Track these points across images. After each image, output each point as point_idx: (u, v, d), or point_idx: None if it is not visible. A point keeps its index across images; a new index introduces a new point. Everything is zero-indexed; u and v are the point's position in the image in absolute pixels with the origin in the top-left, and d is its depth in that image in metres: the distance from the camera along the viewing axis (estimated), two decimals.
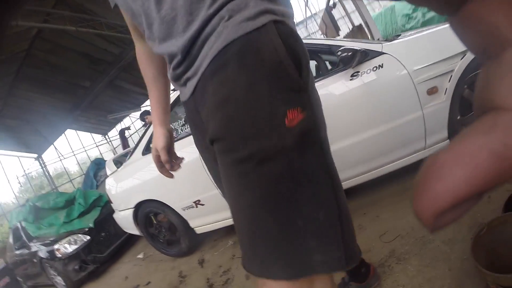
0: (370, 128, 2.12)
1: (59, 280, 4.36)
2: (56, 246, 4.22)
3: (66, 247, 4.21)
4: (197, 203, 2.74)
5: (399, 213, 2.02)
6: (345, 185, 2.24)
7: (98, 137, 15.00)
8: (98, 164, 7.77)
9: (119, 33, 6.54)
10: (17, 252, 5.24)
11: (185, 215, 2.88)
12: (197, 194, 2.71)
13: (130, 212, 3.27)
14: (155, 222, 3.21)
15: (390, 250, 1.75)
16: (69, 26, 5.89)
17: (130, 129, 10.04)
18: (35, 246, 4.61)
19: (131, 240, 4.91)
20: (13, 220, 5.72)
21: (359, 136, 2.15)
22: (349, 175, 2.22)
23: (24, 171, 12.58)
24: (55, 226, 4.62)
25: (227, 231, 3.11)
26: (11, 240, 5.63)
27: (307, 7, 15.61)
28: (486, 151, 0.13)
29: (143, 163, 3.02)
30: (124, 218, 3.42)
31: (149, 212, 3.16)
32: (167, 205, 2.92)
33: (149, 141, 3.02)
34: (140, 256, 4.11)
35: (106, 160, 3.70)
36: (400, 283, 1.50)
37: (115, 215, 3.64)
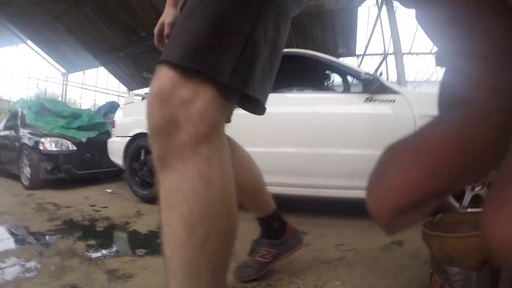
0: (367, 148, 2.21)
1: (27, 171, 4.29)
2: (42, 139, 4.19)
3: (51, 145, 4.18)
4: None
5: (362, 236, 2.01)
6: (330, 193, 2.32)
7: (123, 89, 14.97)
8: (112, 107, 7.71)
9: None
10: (4, 132, 5.20)
11: None
12: None
13: (124, 141, 3.28)
14: (142, 158, 3.18)
15: (341, 256, 1.73)
16: None
17: None
18: (23, 132, 4.58)
19: (107, 178, 4.85)
20: (16, 105, 5.64)
21: (356, 151, 2.25)
22: (333, 183, 2.27)
23: (47, 77, 12.50)
24: (51, 125, 4.58)
25: None
26: (2, 122, 5.59)
27: None
28: (452, 142, 0.12)
29: None
30: (117, 145, 3.45)
31: (142, 146, 3.17)
32: None
33: None
34: (109, 190, 4.04)
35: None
36: (340, 278, 1.47)
37: (110, 140, 3.65)
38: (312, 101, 2.50)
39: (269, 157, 2.42)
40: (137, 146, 3.18)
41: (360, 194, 2.22)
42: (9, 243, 2.20)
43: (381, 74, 7.58)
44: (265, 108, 0.78)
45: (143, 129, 3.09)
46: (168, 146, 0.61)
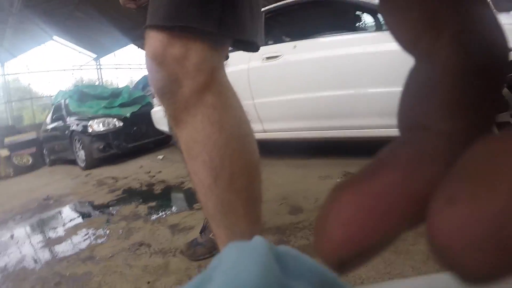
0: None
1: (81, 154, 4.53)
2: (89, 122, 4.38)
3: (98, 125, 4.37)
4: None
5: None
6: (371, 133, 2.22)
7: None
8: None
9: None
10: (52, 125, 5.44)
11: None
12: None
13: None
14: None
15: None
16: None
17: None
18: (71, 120, 4.80)
19: (156, 146, 5.01)
20: (58, 98, 5.81)
21: (395, 88, 2.08)
22: (374, 123, 2.16)
23: (81, 66, 12.64)
24: (95, 108, 4.75)
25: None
26: (49, 116, 5.82)
27: None
28: (405, 191, 0.10)
29: None
30: (160, 114, 3.52)
31: None
32: None
33: None
34: (160, 157, 4.18)
35: None
36: None
37: (153, 110, 3.71)
38: (346, 42, 2.33)
39: (308, 103, 2.37)
40: None
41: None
42: (78, 218, 2.37)
43: None
44: (259, 46, 0.75)
45: None
46: (175, 104, 0.63)
